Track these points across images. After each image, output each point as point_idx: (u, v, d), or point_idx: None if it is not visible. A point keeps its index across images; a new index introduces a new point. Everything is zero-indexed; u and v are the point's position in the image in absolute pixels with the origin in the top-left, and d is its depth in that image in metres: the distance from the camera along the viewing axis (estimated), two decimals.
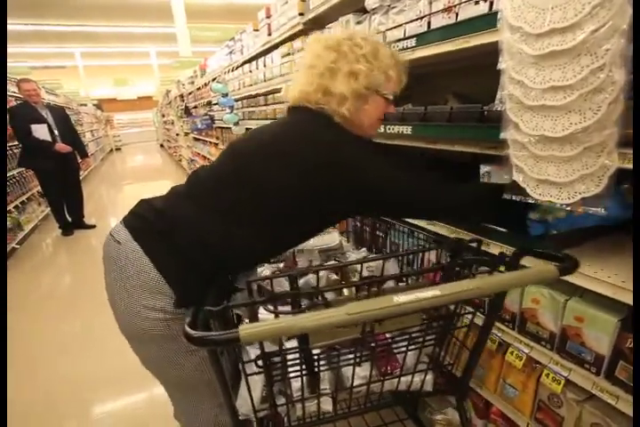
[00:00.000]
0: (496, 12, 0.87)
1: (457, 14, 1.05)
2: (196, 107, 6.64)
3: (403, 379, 0.92)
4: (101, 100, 17.33)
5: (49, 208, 4.72)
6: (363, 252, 1.43)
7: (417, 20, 1.19)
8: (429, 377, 0.96)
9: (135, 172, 10.53)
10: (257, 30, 3.01)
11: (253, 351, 0.86)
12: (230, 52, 3.94)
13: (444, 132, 1.12)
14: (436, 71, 1.52)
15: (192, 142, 7.19)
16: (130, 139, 17.43)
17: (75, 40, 12.01)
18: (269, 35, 2.71)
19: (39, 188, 4.67)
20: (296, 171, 0.84)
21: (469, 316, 0.91)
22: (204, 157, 5.97)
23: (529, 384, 1.03)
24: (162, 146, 15.74)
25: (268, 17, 2.66)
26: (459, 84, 1.49)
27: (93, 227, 4.72)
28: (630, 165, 0.71)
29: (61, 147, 4.08)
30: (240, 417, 0.87)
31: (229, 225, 0.85)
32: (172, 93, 9.72)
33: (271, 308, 0.71)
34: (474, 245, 0.87)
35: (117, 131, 17.16)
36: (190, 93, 7.13)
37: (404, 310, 0.53)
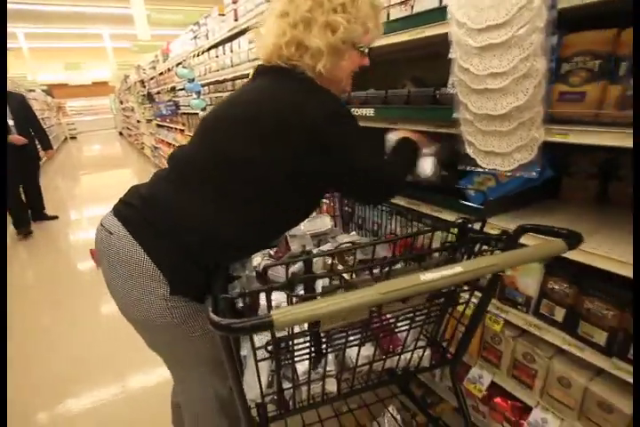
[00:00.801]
0: (446, 6, 1.00)
1: (412, 7, 1.17)
2: (159, 93, 6.45)
3: (402, 356, 0.97)
4: (51, 85, 16.21)
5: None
6: (354, 235, 1.46)
7: None
8: (427, 353, 1.01)
9: (93, 161, 10.08)
10: (223, 15, 3.01)
11: (257, 337, 0.83)
12: (195, 37, 3.89)
13: (403, 114, 1.26)
14: (395, 58, 1.65)
15: (155, 129, 7.00)
16: (85, 127, 16.54)
17: (17, 19, 11.13)
18: (236, 20, 2.72)
19: None
20: (258, 138, 0.81)
21: (466, 295, 0.96)
22: (169, 144, 5.86)
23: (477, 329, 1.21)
24: (121, 134, 15.10)
25: (235, 2, 2.67)
26: (416, 70, 1.63)
27: (56, 218, 4.58)
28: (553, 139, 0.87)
29: (15, 139, 3.78)
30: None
31: (205, 207, 0.83)
32: (132, 79, 9.32)
33: (290, 293, 0.68)
34: (476, 225, 0.87)
35: (71, 118, 16.21)
36: (152, 79, 6.89)
37: (431, 288, 0.56)
